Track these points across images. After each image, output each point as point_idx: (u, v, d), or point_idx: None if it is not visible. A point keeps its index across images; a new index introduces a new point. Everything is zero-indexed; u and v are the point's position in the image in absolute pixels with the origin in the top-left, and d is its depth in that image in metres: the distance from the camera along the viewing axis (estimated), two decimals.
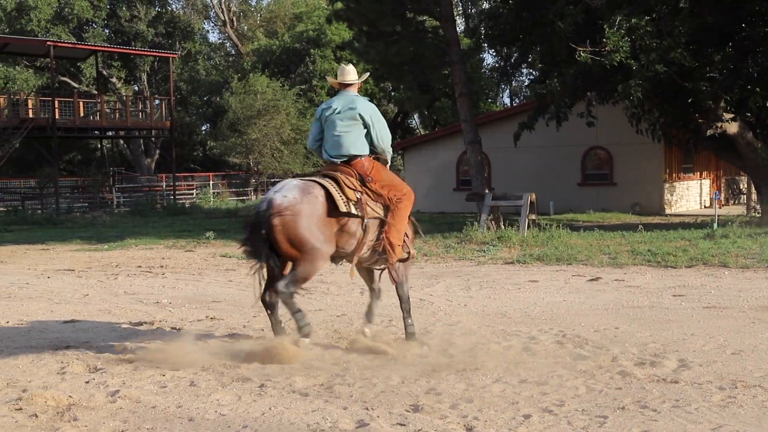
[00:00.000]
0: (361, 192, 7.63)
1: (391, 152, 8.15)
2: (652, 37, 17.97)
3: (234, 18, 54.32)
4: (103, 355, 7.75)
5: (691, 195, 30.30)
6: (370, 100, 8.07)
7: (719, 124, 20.58)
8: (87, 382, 6.77)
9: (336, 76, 8.01)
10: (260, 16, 56.14)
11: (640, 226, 19.19)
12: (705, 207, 30.12)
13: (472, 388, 6.43)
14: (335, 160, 7.80)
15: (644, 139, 24.03)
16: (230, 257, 16.37)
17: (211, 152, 47.05)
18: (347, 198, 7.50)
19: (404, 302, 8.06)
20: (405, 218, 7.90)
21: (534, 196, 20.10)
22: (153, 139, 42.75)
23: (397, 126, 48.76)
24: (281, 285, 7.28)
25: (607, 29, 17.70)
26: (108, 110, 38.00)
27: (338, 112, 7.80)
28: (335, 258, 7.78)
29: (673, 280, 12.25)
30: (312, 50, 44.25)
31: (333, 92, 8.44)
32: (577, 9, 18.35)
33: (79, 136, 38.59)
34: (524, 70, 45.45)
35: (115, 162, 46.96)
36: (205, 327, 9.22)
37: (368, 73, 9.33)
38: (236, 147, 41.82)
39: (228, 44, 56.61)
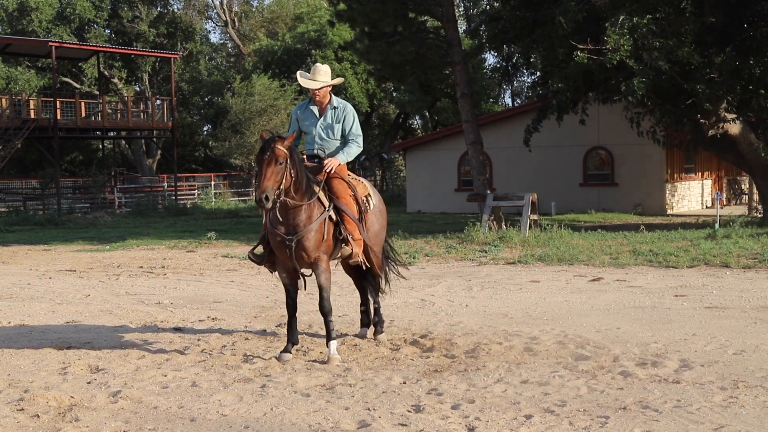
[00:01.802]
0: None
1: None
2: (654, 37, 17.94)
3: (235, 18, 54.33)
4: (104, 356, 7.75)
5: (692, 195, 30.26)
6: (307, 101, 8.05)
7: (721, 125, 20.56)
8: (89, 383, 6.78)
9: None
10: (262, 16, 56.11)
11: (642, 227, 19.18)
12: (707, 207, 30.07)
13: (473, 389, 6.43)
14: None
15: (646, 139, 24.01)
16: (231, 258, 16.38)
17: (212, 153, 47.05)
18: None
19: None
20: None
21: (535, 197, 20.08)
22: (154, 139, 42.74)
23: (398, 127, 48.74)
24: None
25: (609, 28, 17.67)
26: (109, 111, 37.98)
27: None
28: None
29: (675, 281, 12.24)
30: (313, 51, 44.24)
31: (334, 92, 8.40)
32: (580, 6, 18.31)
33: (81, 137, 38.56)
34: (525, 71, 45.42)
35: (116, 162, 46.95)
36: (206, 327, 9.23)
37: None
38: (238, 148, 41.77)
39: (230, 45, 56.63)
